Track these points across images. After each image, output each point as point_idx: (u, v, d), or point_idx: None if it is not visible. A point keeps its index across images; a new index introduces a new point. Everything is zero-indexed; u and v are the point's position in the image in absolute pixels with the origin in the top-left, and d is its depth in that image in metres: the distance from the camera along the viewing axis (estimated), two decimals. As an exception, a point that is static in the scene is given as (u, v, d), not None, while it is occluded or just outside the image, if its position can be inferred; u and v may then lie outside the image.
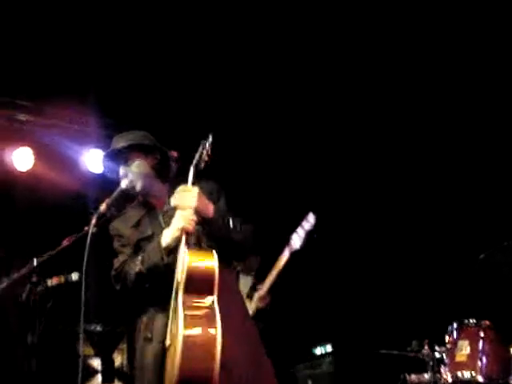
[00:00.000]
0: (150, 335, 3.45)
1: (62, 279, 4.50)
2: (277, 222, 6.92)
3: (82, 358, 5.33)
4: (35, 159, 6.81)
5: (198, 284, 3.27)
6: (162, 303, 3.40)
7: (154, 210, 3.66)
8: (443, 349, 5.13)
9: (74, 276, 4.49)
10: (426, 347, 5.26)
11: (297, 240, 5.64)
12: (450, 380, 4.98)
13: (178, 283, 3.29)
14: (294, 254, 5.66)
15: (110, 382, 5.94)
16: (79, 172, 6.95)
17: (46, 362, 4.52)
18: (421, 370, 5.28)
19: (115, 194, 3.56)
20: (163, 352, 3.34)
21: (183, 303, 3.22)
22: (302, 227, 5.67)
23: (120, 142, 3.61)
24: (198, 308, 3.24)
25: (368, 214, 7.49)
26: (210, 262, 3.32)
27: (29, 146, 6.81)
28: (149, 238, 3.55)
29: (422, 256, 6.98)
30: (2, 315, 5.84)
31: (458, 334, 5.07)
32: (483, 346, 4.90)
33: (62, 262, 4.02)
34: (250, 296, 5.76)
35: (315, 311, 7.57)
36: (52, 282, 4.43)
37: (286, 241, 5.68)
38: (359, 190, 7.55)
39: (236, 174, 7.14)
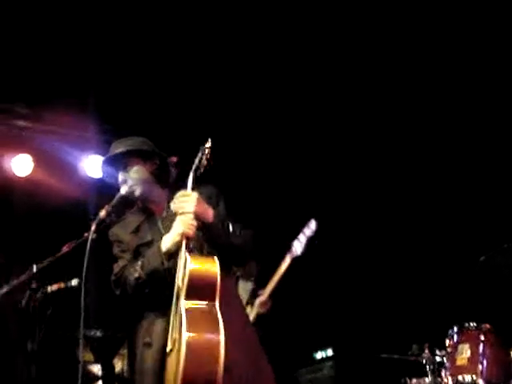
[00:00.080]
0: (149, 340, 3.46)
1: (62, 285, 4.49)
2: (278, 228, 6.92)
3: (82, 363, 5.31)
4: (34, 165, 6.81)
5: (199, 289, 3.28)
6: (162, 308, 3.41)
7: (154, 215, 3.68)
8: (444, 352, 5.12)
9: (74, 282, 4.48)
10: (427, 351, 5.25)
11: (298, 246, 5.67)
12: (450, 384, 4.98)
13: (179, 288, 3.29)
14: (295, 260, 5.67)
15: (111, 387, 5.92)
16: (79, 178, 6.94)
17: (46, 368, 4.51)
18: (421, 374, 5.27)
19: (115, 200, 3.57)
20: (163, 357, 3.35)
21: (185, 308, 3.22)
22: (304, 234, 5.70)
23: (118, 148, 3.62)
24: (201, 313, 3.24)
25: (368, 217, 7.49)
26: (212, 267, 3.33)
27: (28, 152, 6.81)
28: (148, 244, 3.56)
29: (422, 260, 6.97)
30: (2, 322, 5.83)
31: (459, 337, 5.05)
32: (484, 350, 4.89)
33: (62, 268, 4.01)
34: (250, 302, 5.76)
35: (316, 316, 7.56)
36: (52, 288, 4.42)
37: (288, 247, 5.69)
38: (360, 194, 7.54)
39: (238, 180, 7.16)
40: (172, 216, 3.49)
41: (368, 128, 7.28)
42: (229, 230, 3.52)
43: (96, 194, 6.45)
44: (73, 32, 6.04)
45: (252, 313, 5.60)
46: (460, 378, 4.91)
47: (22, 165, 6.77)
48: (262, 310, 5.69)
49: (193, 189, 3.44)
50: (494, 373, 4.86)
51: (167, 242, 3.43)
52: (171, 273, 3.38)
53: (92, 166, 6.87)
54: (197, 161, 3.50)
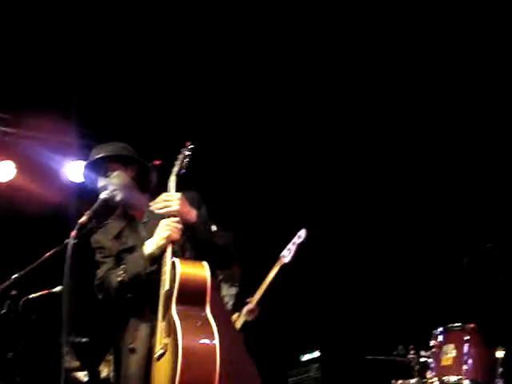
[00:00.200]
0: (134, 346, 3.43)
1: (46, 291, 4.46)
2: (268, 235, 6.94)
3: (68, 370, 5.29)
4: (17, 171, 6.77)
5: (190, 294, 3.26)
6: (146, 313, 3.40)
7: (135, 221, 3.66)
8: (429, 353, 5.12)
9: (58, 288, 4.45)
10: (412, 352, 5.25)
11: (287, 255, 5.69)
12: (436, 384, 4.98)
13: (168, 293, 3.27)
14: (283, 266, 5.70)
15: (97, 394, 5.89)
16: (60, 183, 6.91)
17: (30, 375, 4.49)
18: (408, 375, 5.28)
19: (95, 205, 3.54)
20: (148, 362, 3.33)
21: (178, 313, 3.19)
22: (293, 242, 5.73)
23: (99, 153, 3.61)
24: (194, 318, 3.22)
25: (353, 220, 7.51)
26: (201, 271, 3.32)
27: (10, 158, 6.77)
28: (130, 250, 3.54)
29: (406, 262, 6.99)
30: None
31: (444, 338, 5.06)
32: (469, 350, 4.90)
33: (45, 275, 3.99)
34: (236, 308, 5.74)
35: (303, 318, 7.57)
36: (35, 294, 4.40)
37: (277, 256, 5.72)
38: (344, 199, 7.56)
39: (228, 188, 7.24)
40: (154, 221, 3.47)
41: (356, 135, 7.30)
42: (211, 230, 3.51)
43: (78, 199, 6.42)
44: (53, 38, 6.03)
45: (239, 321, 5.59)
46: (445, 378, 4.92)
47: (4, 170, 6.74)
48: (249, 317, 5.68)
49: (176, 191, 3.44)
50: (479, 372, 4.87)
51: (151, 246, 3.41)
52: (155, 277, 3.36)
53: (74, 171, 6.85)
54: (178, 164, 3.51)
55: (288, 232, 5.88)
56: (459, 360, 4.89)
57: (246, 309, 5.66)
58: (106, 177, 3.60)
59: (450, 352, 4.96)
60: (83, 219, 3.46)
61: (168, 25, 6.24)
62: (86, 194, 3.83)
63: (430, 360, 5.09)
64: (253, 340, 5.18)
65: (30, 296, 4.33)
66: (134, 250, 3.51)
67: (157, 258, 3.39)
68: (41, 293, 4.41)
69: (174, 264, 3.31)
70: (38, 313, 4.39)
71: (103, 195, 3.54)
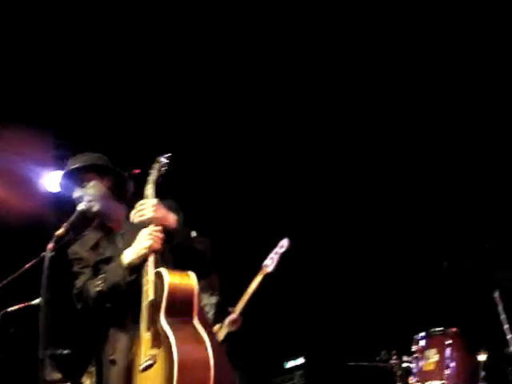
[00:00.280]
0: (114, 357, 3.41)
1: (24, 304, 4.43)
2: (249, 244, 6.94)
3: (46, 383, 5.24)
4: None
5: (179, 304, 3.24)
6: (126, 324, 3.38)
7: (112, 231, 3.64)
8: (411, 358, 5.12)
9: (37, 301, 4.42)
10: (395, 357, 5.25)
11: (270, 264, 5.68)
12: (419, 389, 4.97)
13: (153, 303, 3.25)
14: (266, 276, 5.70)
15: (79, 405, 5.84)
16: (38, 194, 6.86)
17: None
18: (390, 380, 5.28)
19: (72, 217, 3.51)
20: (128, 373, 3.30)
21: (168, 324, 3.17)
22: (276, 252, 5.73)
23: (74, 164, 3.59)
24: (184, 329, 3.20)
25: (333, 227, 7.51)
26: (189, 281, 3.31)
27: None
28: (107, 260, 3.51)
29: (388, 268, 7.00)
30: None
31: (426, 342, 5.06)
32: (451, 354, 4.91)
33: (24, 287, 3.96)
34: (218, 318, 5.70)
35: (286, 325, 7.56)
36: (14, 307, 4.36)
37: (260, 266, 5.71)
38: (325, 207, 7.58)
39: (210, 196, 7.24)
40: (132, 231, 3.45)
41: (336, 144, 7.30)
42: (190, 236, 3.50)
43: (56, 210, 6.37)
44: (27, 49, 6.00)
45: (222, 331, 5.55)
46: (428, 383, 4.91)
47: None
48: (232, 328, 5.65)
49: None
50: (461, 376, 4.88)
51: (130, 255, 3.38)
52: (135, 287, 3.34)
53: (51, 181, 6.80)
54: (155, 172, 3.49)
55: (270, 240, 5.88)
56: (441, 364, 4.89)
57: (228, 319, 5.63)
58: (82, 187, 3.57)
59: (432, 357, 4.96)
60: (60, 231, 3.43)
61: (140, 33, 6.23)
62: (64, 205, 3.80)
63: (412, 365, 5.09)
64: (237, 348, 5.17)
65: (9, 309, 4.30)
66: (112, 260, 3.49)
67: (136, 268, 3.37)
68: (19, 306, 4.38)
69: (159, 274, 3.29)
70: (17, 326, 4.35)
71: (80, 207, 3.52)
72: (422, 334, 5.10)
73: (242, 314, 5.68)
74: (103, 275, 3.43)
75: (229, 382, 3.41)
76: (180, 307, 3.25)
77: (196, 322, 3.25)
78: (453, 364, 4.88)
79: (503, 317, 4.90)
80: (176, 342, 3.08)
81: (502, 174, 6.47)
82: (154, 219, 3.36)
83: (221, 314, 5.72)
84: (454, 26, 6.17)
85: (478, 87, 6.41)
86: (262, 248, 5.89)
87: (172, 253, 3.47)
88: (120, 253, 3.44)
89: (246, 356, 5.86)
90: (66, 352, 6.02)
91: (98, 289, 3.39)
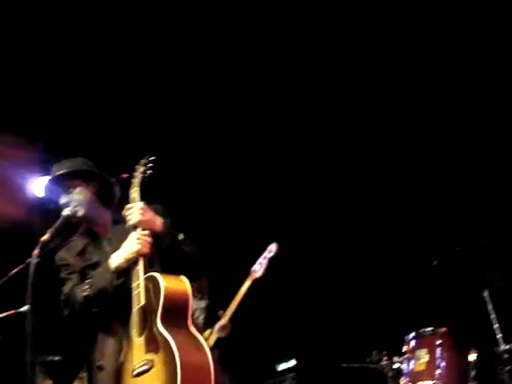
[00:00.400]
0: (101, 363, 3.41)
1: (12, 311, 4.40)
2: (240, 250, 6.93)
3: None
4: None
5: (175, 309, 3.26)
6: (114, 328, 3.38)
7: (99, 237, 3.63)
8: (402, 359, 5.12)
9: (25, 308, 4.39)
10: (386, 358, 5.25)
11: (259, 269, 5.68)
12: (410, 390, 4.97)
13: (146, 308, 3.24)
14: (255, 281, 5.70)
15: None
16: (25, 199, 6.83)
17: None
18: (382, 382, 5.27)
19: (58, 223, 3.50)
20: (117, 379, 3.29)
21: (166, 329, 3.17)
22: (265, 256, 5.73)
23: (59, 170, 3.59)
24: (181, 333, 3.22)
25: (322, 228, 7.51)
26: (183, 286, 3.33)
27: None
28: (94, 266, 3.51)
29: (378, 269, 7.01)
30: None
31: (416, 343, 5.04)
32: (441, 354, 4.89)
33: (11, 294, 3.93)
34: (208, 323, 5.69)
35: (277, 328, 7.55)
36: (1, 314, 4.33)
37: (248, 272, 5.71)
38: (313, 210, 7.57)
39: (198, 201, 7.22)
40: (118, 236, 3.44)
41: (323, 148, 7.30)
42: (177, 239, 3.49)
43: (41, 216, 6.34)
44: (13, 54, 5.99)
45: (212, 337, 5.53)
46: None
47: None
48: (222, 334, 5.63)
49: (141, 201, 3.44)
50: (452, 376, 4.86)
51: (117, 259, 3.38)
52: (122, 291, 3.33)
53: (37, 187, 6.77)
54: (140, 174, 3.49)
55: (258, 245, 5.88)
56: (432, 365, 4.87)
57: (218, 325, 5.62)
58: (68, 193, 3.57)
59: (423, 357, 4.93)
60: (45, 237, 3.42)
61: (123, 38, 6.22)
62: (50, 211, 3.79)
63: (403, 366, 5.08)
64: (228, 350, 5.17)
65: (-4, 316, 4.27)
66: (99, 266, 3.48)
67: (124, 272, 3.36)
68: (7, 313, 4.35)
69: (152, 278, 3.30)
70: (5, 333, 4.33)
71: (65, 212, 3.51)
72: (413, 334, 5.09)
73: (231, 319, 5.67)
74: (90, 280, 3.42)
75: None
76: (176, 312, 3.26)
77: (191, 326, 3.27)
78: (443, 364, 4.86)
79: (493, 316, 4.90)
80: (177, 346, 3.09)
81: (490, 173, 6.49)
82: (141, 222, 3.35)
83: (211, 318, 5.71)
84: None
85: (475, 84, 6.41)
86: (250, 252, 5.89)
87: (159, 256, 3.46)
88: (107, 257, 3.44)
89: (238, 358, 5.85)
90: (56, 358, 6.00)
91: (84, 293, 3.39)
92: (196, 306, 5.72)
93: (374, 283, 6.96)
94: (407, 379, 4.98)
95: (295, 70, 6.70)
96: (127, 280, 3.36)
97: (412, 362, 4.98)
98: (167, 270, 3.39)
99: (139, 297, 3.26)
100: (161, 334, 3.16)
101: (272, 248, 5.80)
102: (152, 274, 3.31)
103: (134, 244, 3.34)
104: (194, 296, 5.75)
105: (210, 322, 5.66)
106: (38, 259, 3.35)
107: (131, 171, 3.57)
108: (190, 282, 3.41)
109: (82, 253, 3.58)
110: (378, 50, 6.47)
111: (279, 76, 6.79)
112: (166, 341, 3.12)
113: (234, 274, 5.85)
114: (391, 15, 6.24)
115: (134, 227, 3.37)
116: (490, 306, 4.93)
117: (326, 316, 7.35)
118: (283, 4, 6.19)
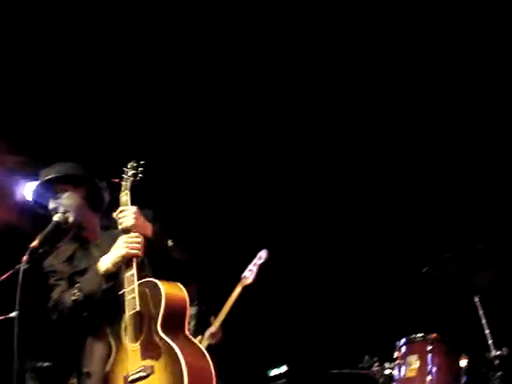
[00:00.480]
0: (88, 370, 3.40)
1: (2, 317, 4.37)
2: (230, 256, 6.92)
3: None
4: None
5: (175, 315, 3.26)
6: (103, 333, 3.36)
7: (88, 242, 3.61)
8: (393, 365, 5.11)
9: (15, 313, 4.36)
10: (377, 364, 5.24)
11: (249, 276, 5.68)
12: (401, 397, 4.95)
13: (143, 313, 3.22)
14: (245, 287, 5.70)
15: (60, 419, 5.79)
16: (15, 204, 6.80)
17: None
18: (373, 388, 5.27)
19: (47, 228, 3.48)
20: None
21: (168, 335, 3.16)
22: (255, 264, 5.73)
23: (47, 175, 3.57)
24: (182, 339, 3.21)
25: (312, 234, 7.51)
26: (180, 292, 3.34)
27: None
28: (82, 272, 3.49)
29: (367, 275, 7.01)
30: None
31: (407, 349, 5.02)
32: (432, 360, 4.88)
33: (2, 300, 3.91)
34: (199, 329, 5.67)
35: (269, 334, 7.54)
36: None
37: (239, 278, 5.70)
38: (303, 215, 7.57)
39: (190, 207, 7.21)
40: (108, 241, 3.43)
41: (314, 153, 7.30)
42: (167, 245, 3.49)
43: (31, 221, 6.32)
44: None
45: (203, 344, 5.51)
46: (410, 390, 4.90)
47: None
48: (213, 341, 5.61)
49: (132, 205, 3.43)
50: (443, 382, 4.84)
51: (106, 263, 3.36)
52: (111, 295, 3.32)
53: (27, 191, 6.74)
54: (129, 179, 3.48)
55: (249, 251, 5.88)
56: (423, 371, 4.86)
57: (208, 332, 5.61)
58: (57, 198, 3.55)
59: (414, 363, 4.92)
60: (34, 243, 3.40)
61: (110, 40, 6.20)
62: (39, 216, 3.76)
63: (394, 372, 5.07)
64: (219, 356, 5.14)
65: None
66: (87, 272, 3.46)
67: (113, 275, 3.34)
68: (-4, 318, 4.33)
69: (148, 284, 3.29)
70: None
71: (54, 218, 3.49)
72: (403, 340, 5.08)
73: (222, 326, 5.66)
74: (79, 284, 3.40)
75: None
76: (175, 318, 3.27)
77: (187, 333, 3.28)
78: (434, 370, 4.84)
79: (484, 321, 4.90)
80: (181, 351, 3.09)
81: (481, 180, 6.50)
82: (134, 226, 3.33)
83: (201, 325, 5.69)
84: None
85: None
86: (240, 259, 5.88)
87: (149, 262, 3.45)
88: (96, 263, 3.41)
89: (229, 364, 5.83)
90: (46, 365, 5.96)
91: (73, 298, 3.37)
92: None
93: (365, 289, 6.96)
94: (398, 385, 4.97)
95: (283, 75, 6.70)
96: (115, 284, 3.34)
97: (403, 368, 4.97)
98: (157, 277, 3.37)
99: (134, 302, 3.24)
100: (162, 339, 3.14)
101: (262, 254, 5.81)
102: (150, 279, 3.30)
103: (121, 248, 3.32)
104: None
105: (200, 328, 5.64)
106: (27, 265, 3.34)
107: (120, 176, 3.55)
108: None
109: (70, 259, 3.56)
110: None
111: (272, 83, 6.79)
112: (170, 347, 3.11)
113: (224, 280, 5.83)
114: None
115: (125, 231, 3.35)
116: (480, 312, 4.93)
117: (318, 322, 7.35)
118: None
